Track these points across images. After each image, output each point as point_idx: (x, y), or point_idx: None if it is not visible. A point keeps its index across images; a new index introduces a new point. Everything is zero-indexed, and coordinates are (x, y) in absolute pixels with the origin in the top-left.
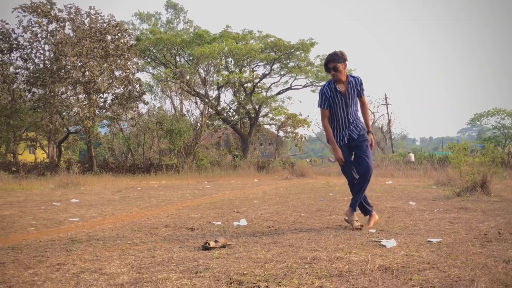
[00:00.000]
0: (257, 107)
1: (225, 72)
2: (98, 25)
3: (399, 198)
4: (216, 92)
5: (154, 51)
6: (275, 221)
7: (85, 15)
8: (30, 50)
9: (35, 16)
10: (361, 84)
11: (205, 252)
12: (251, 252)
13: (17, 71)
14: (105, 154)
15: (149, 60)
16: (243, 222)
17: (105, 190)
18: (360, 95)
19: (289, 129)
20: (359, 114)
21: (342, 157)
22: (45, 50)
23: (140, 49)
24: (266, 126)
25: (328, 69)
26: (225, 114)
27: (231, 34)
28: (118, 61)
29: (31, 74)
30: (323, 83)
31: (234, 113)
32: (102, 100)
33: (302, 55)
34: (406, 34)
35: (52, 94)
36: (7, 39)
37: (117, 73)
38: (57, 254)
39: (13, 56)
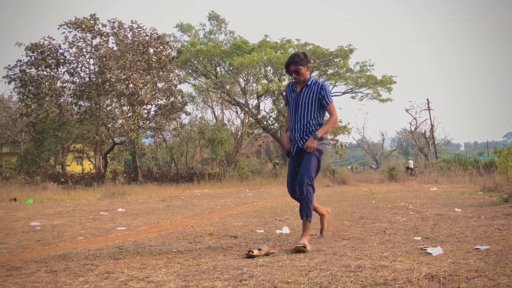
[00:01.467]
0: None
1: (265, 81)
2: (141, 38)
3: (444, 205)
4: (256, 101)
5: (195, 62)
6: (317, 229)
7: (127, 29)
8: (76, 64)
9: (79, 31)
10: (322, 90)
11: (249, 260)
12: (295, 260)
13: (64, 85)
14: (149, 164)
15: (190, 71)
16: (285, 230)
17: (150, 199)
18: (323, 103)
19: (329, 136)
20: (314, 126)
21: (288, 145)
22: (90, 64)
23: (182, 61)
24: None
25: (289, 72)
26: (265, 122)
27: (270, 43)
28: (161, 73)
29: (78, 88)
30: (363, 89)
31: (274, 121)
32: (146, 111)
33: (341, 61)
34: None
35: (98, 106)
36: (54, 54)
37: (159, 85)
38: (106, 263)
39: (60, 71)
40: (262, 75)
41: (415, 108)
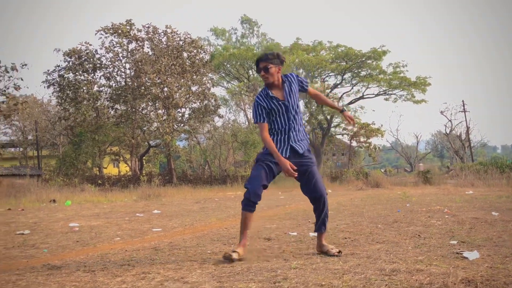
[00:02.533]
0: (328, 117)
1: None
2: (175, 43)
3: (480, 209)
4: None
5: (228, 66)
6: (351, 232)
7: (162, 33)
8: (112, 69)
9: (116, 36)
10: (298, 81)
11: (283, 262)
12: (328, 263)
13: (101, 89)
14: (184, 167)
15: (223, 75)
16: None
17: (184, 201)
18: (303, 88)
19: (362, 139)
20: (303, 129)
21: (291, 170)
22: (126, 68)
23: (215, 64)
24: (338, 137)
25: (258, 70)
26: None
27: (301, 46)
28: (194, 76)
29: (114, 92)
30: (396, 91)
31: (306, 124)
32: (180, 114)
33: (374, 63)
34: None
35: (134, 110)
36: (91, 59)
37: (193, 88)
38: (142, 263)
39: (97, 75)
40: None
41: (450, 110)
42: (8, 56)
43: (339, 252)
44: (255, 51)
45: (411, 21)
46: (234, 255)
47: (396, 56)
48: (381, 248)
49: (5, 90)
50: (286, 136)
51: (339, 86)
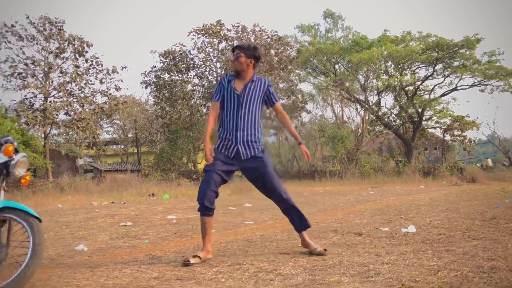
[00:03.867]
0: (420, 110)
1: (385, 77)
2: (263, 40)
3: None
4: (376, 97)
5: (314, 61)
6: (445, 228)
7: (250, 32)
8: (204, 68)
9: (207, 37)
10: (270, 87)
11: (375, 257)
12: (422, 259)
13: (194, 88)
14: (273, 162)
15: (310, 70)
16: (411, 228)
17: None
18: (270, 102)
19: (456, 132)
20: (258, 128)
21: (211, 157)
22: (217, 67)
23: (301, 60)
24: (430, 130)
25: (233, 56)
26: (386, 119)
27: (390, 37)
28: (282, 73)
29: (206, 90)
30: (492, 81)
31: (396, 117)
32: (268, 111)
33: (467, 53)
34: None
35: None
36: (185, 60)
37: (281, 85)
38: (236, 255)
39: (190, 75)
40: (382, 71)
41: None
42: (110, 59)
43: (325, 250)
44: (341, 45)
45: (506, 4)
46: (192, 260)
47: (492, 44)
48: (478, 245)
49: (107, 91)
50: (234, 136)
51: (430, 78)
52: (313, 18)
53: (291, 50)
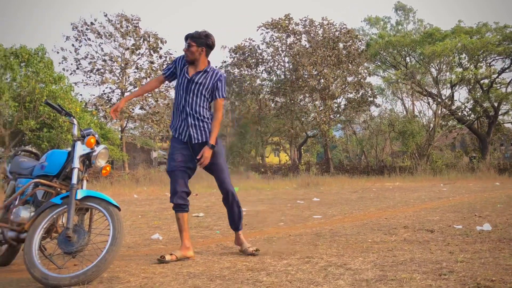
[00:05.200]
0: (496, 104)
1: (459, 69)
2: (331, 34)
3: None
4: (449, 91)
5: (384, 54)
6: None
7: (318, 26)
8: (272, 63)
9: (276, 31)
10: (219, 81)
11: (448, 255)
12: (499, 258)
13: (263, 83)
14: (340, 156)
15: (379, 63)
16: (486, 227)
17: (342, 190)
18: (213, 95)
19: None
20: (206, 114)
21: (115, 112)
22: (285, 62)
23: (370, 53)
24: (507, 125)
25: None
26: (459, 113)
27: (464, 29)
28: (350, 67)
29: (274, 85)
30: None
31: (470, 112)
32: (336, 105)
33: None
34: None
35: (292, 102)
36: (254, 54)
37: (349, 79)
38: (305, 248)
39: (259, 70)
40: (456, 63)
41: None
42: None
43: (256, 250)
44: (413, 37)
45: None
46: (168, 257)
47: None
48: None
49: None
50: (184, 120)
51: (507, 71)
52: (382, 11)
53: (360, 43)
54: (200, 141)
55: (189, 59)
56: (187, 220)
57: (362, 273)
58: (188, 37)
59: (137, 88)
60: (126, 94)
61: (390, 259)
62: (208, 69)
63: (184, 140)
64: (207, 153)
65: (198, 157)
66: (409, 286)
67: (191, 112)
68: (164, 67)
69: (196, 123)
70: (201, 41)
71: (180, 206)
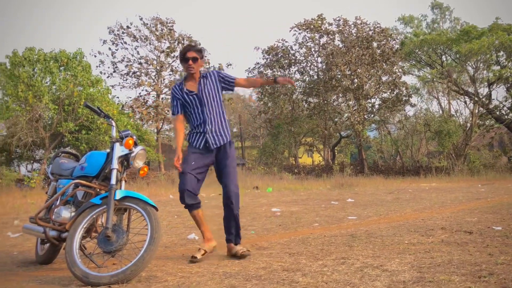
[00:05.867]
0: None
1: (496, 68)
2: (364, 33)
3: None
4: (486, 90)
5: (419, 53)
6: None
7: (352, 25)
8: (305, 63)
9: (308, 32)
10: (219, 73)
11: (487, 257)
12: None
13: (296, 83)
14: (375, 157)
15: (414, 62)
16: None
17: (377, 191)
18: (229, 83)
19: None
20: (225, 119)
21: (180, 165)
22: (318, 62)
23: (405, 52)
24: None
25: (185, 59)
26: (497, 112)
27: (502, 26)
28: (384, 66)
29: (307, 86)
30: None
31: (508, 111)
32: (370, 105)
33: None
34: None
35: (326, 102)
36: (287, 55)
37: (383, 78)
38: (341, 249)
39: (292, 70)
40: (493, 61)
41: None
42: (216, 57)
43: (248, 250)
44: (449, 35)
45: None
46: (198, 255)
47: None
48: None
49: None
50: (203, 129)
51: None
52: (416, 10)
53: (394, 42)
54: (216, 146)
55: (194, 72)
56: (202, 215)
57: (399, 274)
58: (191, 51)
59: (175, 136)
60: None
61: (428, 260)
62: (204, 75)
63: (200, 148)
64: (283, 78)
65: (287, 82)
66: None
67: (211, 121)
68: (171, 108)
69: (215, 129)
70: (201, 54)
71: (191, 206)
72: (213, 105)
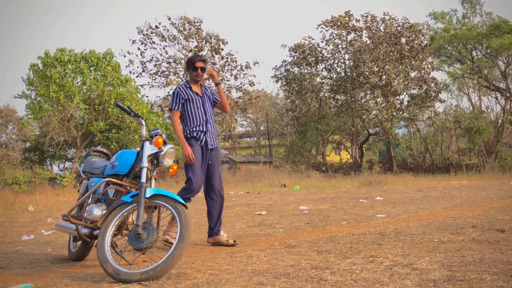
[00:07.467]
0: None
1: None
2: (393, 29)
3: None
4: None
5: (449, 48)
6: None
7: (380, 21)
8: (332, 61)
9: (335, 29)
10: (210, 91)
11: None
12: None
13: (323, 81)
14: (403, 154)
15: (443, 58)
16: None
17: (406, 189)
18: (215, 99)
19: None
20: (214, 125)
21: (192, 156)
22: (345, 59)
23: (434, 48)
24: None
25: (194, 68)
26: None
27: None
28: (413, 62)
29: (334, 83)
30: None
31: None
32: (399, 101)
33: None
34: None
35: (353, 99)
36: (314, 53)
37: (412, 74)
38: (369, 247)
39: (319, 68)
40: None
41: None
42: (243, 55)
43: (234, 241)
44: (479, 30)
45: None
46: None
47: None
48: None
49: (241, 87)
50: (204, 128)
51: None
52: (446, 5)
53: (423, 37)
54: (213, 147)
55: (202, 79)
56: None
57: (429, 273)
58: (200, 61)
59: (176, 129)
60: None
61: (458, 259)
62: (202, 85)
63: (201, 146)
64: (212, 72)
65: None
66: (479, 287)
67: (211, 123)
68: (171, 102)
69: (212, 131)
70: (206, 64)
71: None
72: (210, 110)
